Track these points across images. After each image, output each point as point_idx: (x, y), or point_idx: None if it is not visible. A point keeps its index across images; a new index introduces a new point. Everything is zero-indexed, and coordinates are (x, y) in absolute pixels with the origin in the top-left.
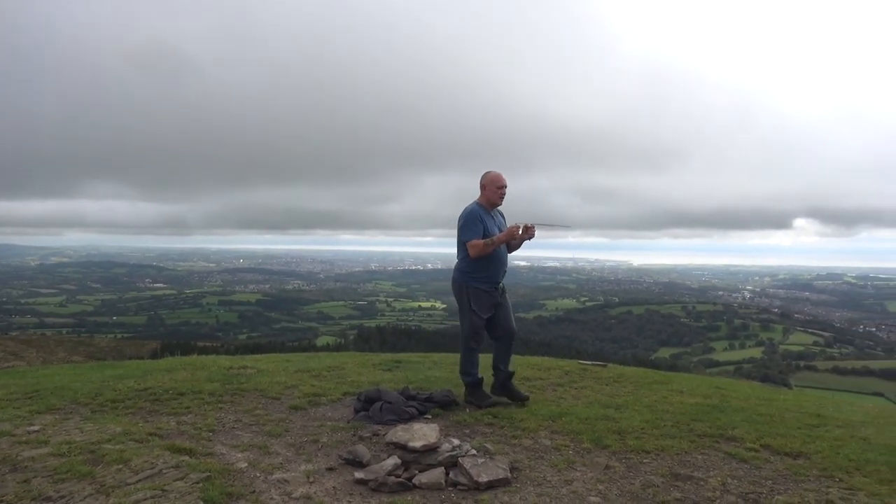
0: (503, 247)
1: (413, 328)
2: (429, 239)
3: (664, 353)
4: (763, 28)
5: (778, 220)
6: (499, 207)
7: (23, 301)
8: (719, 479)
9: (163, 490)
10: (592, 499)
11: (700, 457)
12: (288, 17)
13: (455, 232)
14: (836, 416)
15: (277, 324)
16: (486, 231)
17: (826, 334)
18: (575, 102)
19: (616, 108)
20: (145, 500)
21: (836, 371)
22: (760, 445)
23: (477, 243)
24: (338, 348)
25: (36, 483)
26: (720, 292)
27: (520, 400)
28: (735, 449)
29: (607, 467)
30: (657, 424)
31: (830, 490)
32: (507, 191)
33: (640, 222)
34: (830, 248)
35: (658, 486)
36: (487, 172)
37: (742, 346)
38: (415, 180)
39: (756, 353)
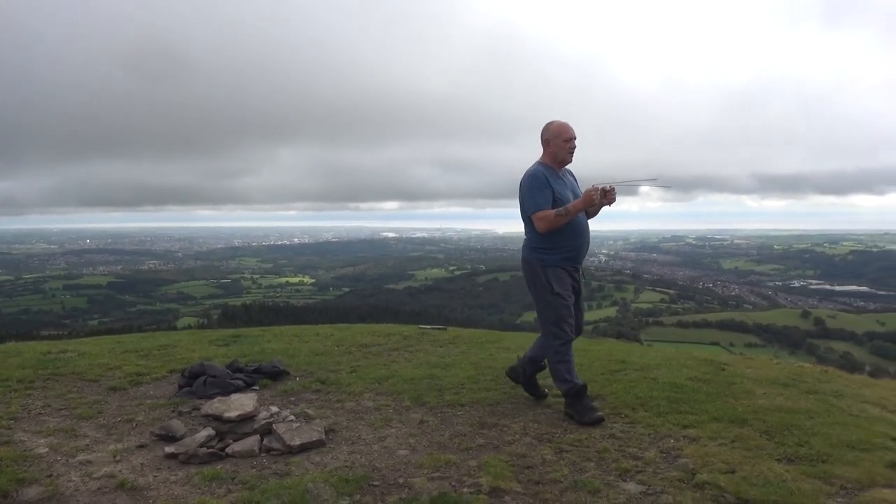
0: (582, 215)
1: (281, 304)
2: (292, 213)
3: (529, 316)
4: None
5: (625, 188)
6: (568, 166)
7: None
8: (521, 424)
9: None
10: (401, 451)
11: (510, 406)
12: None
13: (517, 202)
14: (637, 361)
15: (133, 307)
16: (556, 197)
17: (671, 292)
18: (424, 75)
19: (465, 80)
20: None
21: (680, 325)
22: None
23: (546, 214)
24: (201, 329)
25: None
26: None
27: (540, 397)
28: None
29: (421, 422)
30: (477, 380)
31: (615, 425)
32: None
33: (501, 192)
34: (673, 213)
35: (465, 435)
36: (550, 123)
37: (599, 307)
38: (269, 153)
39: (611, 312)
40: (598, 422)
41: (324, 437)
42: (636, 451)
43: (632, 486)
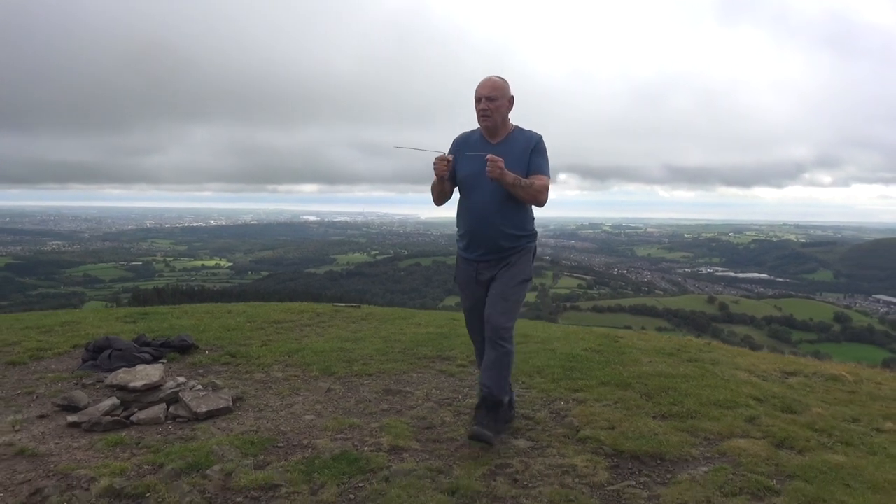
0: (484, 194)
1: (196, 288)
2: (208, 194)
3: (450, 301)
4: None
5: None
6: (519, 133)
7: None
8: (425, 390)
9: None
10: (307, 417)
11: (416, 375)
12: None
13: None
14: (539, 335)
15: (34, 290)
16: (455, 169)
17: (588, 278)
18: (333, 54)
19: (375, 61)
20: None
21: (596, 309)
22: (469, 362)
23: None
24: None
25: None
26: None
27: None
28: (447, 367)
29: (329, 390)
30: (386, 352)
31: (512, 391)
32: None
33: (423, 177)
34: (590, 201)
35: (370, 401)
36: None
37: None
38: (179, 131)
39: (531, 297)
40: (482, 440)
41: (231, 404)
42: (528, 413)
43: (521, 442)
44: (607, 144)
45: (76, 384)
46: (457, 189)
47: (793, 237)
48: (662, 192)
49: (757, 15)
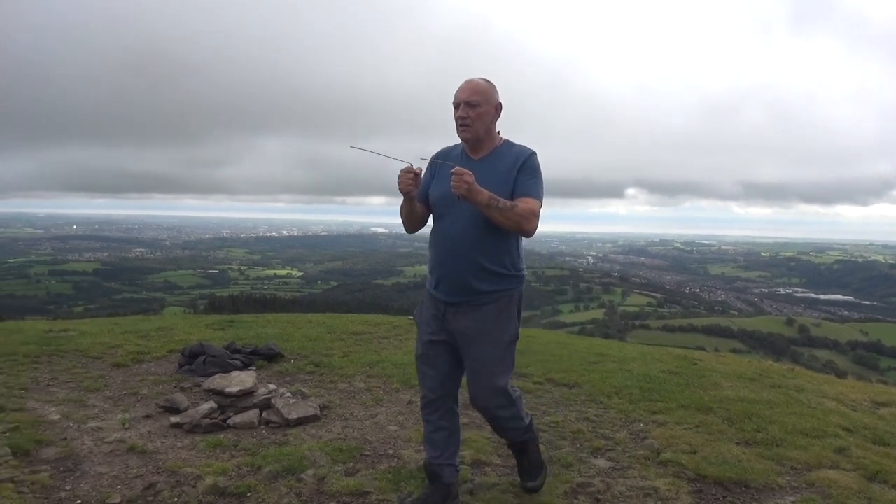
0: (455, 217)
1: (269, 297)
2: (280, 204)
3: None
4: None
5: (612, 190)
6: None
7: None
8: None
9: None
10: (391, 427)
11: None
12: None
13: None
14: (615, 355)
15: (118, 294)
16: (430, 186)
17: (658, 295)
18: (398, 70)
19: (437, 76)
20: None
21: (666, 329)
22: (545, 379)
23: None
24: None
25: None
26: (567, 258)
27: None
28: (524, 383)
29: (410, 402)
30: None
31: (590, 410)
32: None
33: None
34: (661, 217)
35: None
36: None
37: (586, 308)
38: (252, 143)
39: (598, 314)
40: (532, 491)
41: (319, 412)
42: (608, 433)
43: (602, 462)
44: (677, 159)
45: (175, 387)
46: None
47: (880, 258)
48: (737, 209)
49: (832, 24)
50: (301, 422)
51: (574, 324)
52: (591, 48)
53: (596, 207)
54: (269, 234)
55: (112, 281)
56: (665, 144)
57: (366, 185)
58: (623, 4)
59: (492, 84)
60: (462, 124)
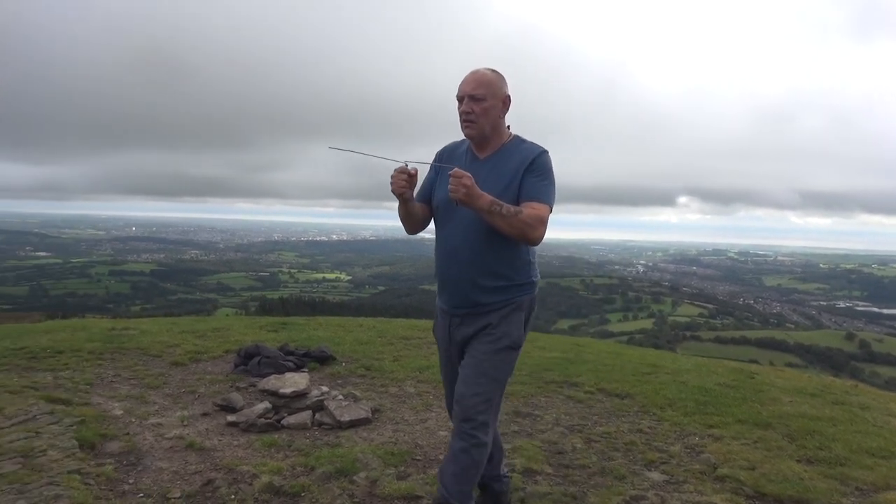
0: (456, 223)
1: (317, 300)
2: (330, 209)
3: (563, 324)
4: (621, 5)
5: (663, 198)
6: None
7: None
8: (554, 415)
9: (36, 432)
10: (441, 433)
11: (543, 399)
12: None
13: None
14: (668, 366)
15: (174, 295)
16: (434, 188)
17: (710, 306)
18: (445, 76)
19: None
20: (18, 440)
21: (718, 340)
22: (597, 389)
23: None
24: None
25: None
26: (616, 266)
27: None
28: (575, 392)
29: None
30: (513, 374)
31: (643, 421)
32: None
33: None
34: (713, 226)
35: (500, 422)
36: None
37: (635, 318)
38: (301, 149)
39: (647, 324)
40: None
41: (370, 415)
42: (662, 445)
43: (656, 475)
44: (730, 166)
45: (231, 386)
46: None
47: None
48: (794, 219)
49: (894, 30)
50: (353, 424)
51: (622, 333)
52: (641, 53)
53: (646, 215)
54: (318, 239)
55: (168, 282)
56: (718, 151)
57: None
58: (674, 8)
59: (499, 75)
60: (466, 120)
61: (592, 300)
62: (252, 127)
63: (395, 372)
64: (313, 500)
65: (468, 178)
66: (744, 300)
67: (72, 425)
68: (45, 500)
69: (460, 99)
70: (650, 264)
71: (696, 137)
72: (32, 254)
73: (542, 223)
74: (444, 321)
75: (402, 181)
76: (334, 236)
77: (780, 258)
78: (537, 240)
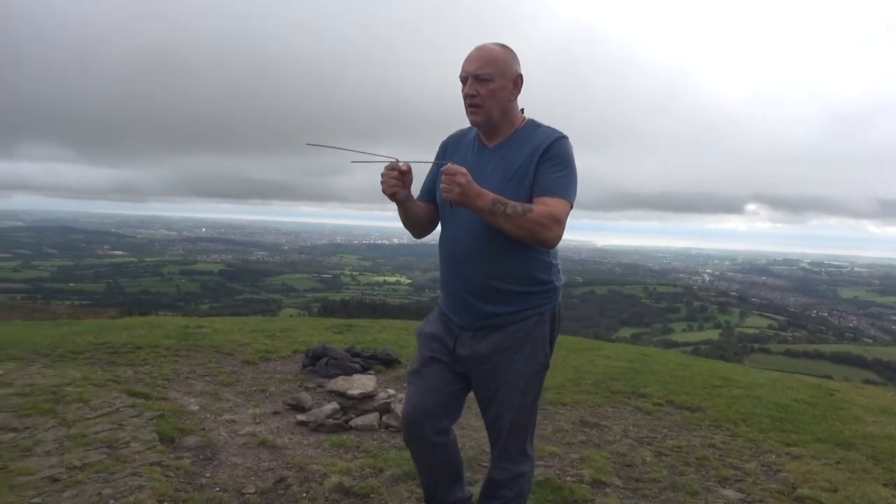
0: (459, 223)
1: (378, 302)
2: (391, 213)
3: (625, 332)
4: (683, 5)
5: (730, 205)
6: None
7: None
8: (622, 426)
9: (120, 424)
10: None
11: (610, 409)
12: None
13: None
14: (741, 379)
15: (240, 295)
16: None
17: (780, 318)
18: None
19: (547, 91)
20: (103, 431)
21: (789, 354)
22: (666, 401)
23: None
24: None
25: (1, 417)
26: (680, 275)
27: None
28: (643, 403)
29: None
30: (578, 382)
31: (716, 436)
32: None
33: (596, 203)
34: (785, 234)
35: (567, 431)
36: None
37: (700, 328)
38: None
39: (713, 334)
40: None
41: None
42: (736, 462)
43: (731, 493)
44: (801, 172)
45: (300, 386)
46: None
47: None
48: (873, 228)
49: None
50: None
51: (686, 343)
52: (705, 55)
53: (712, 223)
54: (380, 242)
55: (235, 282)
56: (788, 157)
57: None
58: (738, 8)
59: (509, 50)
60: (471, 105)
61: (655, 309)
62: (316, 132)
63: None
64: (382, 502)
65: (463, 175)
66: (817, 312)
67: (152, 419)
68: (129, 489)
69: (463, 80)
70: (717, 273)
71: (764, 142)
72: (110, 252)
73: (558, 222)
74: (450, 331)
75: (393, 180)
76: (395, 240)
77: (857, 269)
78: (552, 242)
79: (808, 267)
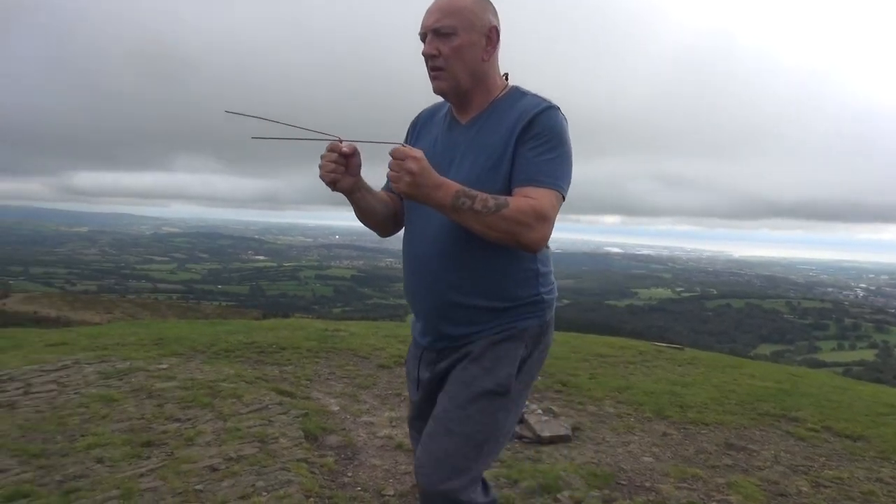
0: (424, 221)
1: None
2: None
3: (764, 349)
4: (827, 7)
5: (885, 214)
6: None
7: (138, 267)
8: (773, 452)
9: (269, 420)
10: (645, 458)
11: (758, 432)
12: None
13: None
14: None
15: (370, 299)
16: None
17: None
18: (631, 90)
19: (676, 95)
20: (255, 426)
21: None
22: (822, 427)
23: None
24: None
25: (168, 408)
26: (829, 289)
27: None
28: (795, 428)
29: (664, 434)
30: (721, 402)
31: (883, 469)
32: None
33: (733, 211)
34: None
35: (710, 453)
36: None
37: (852, 348)
38: None
39: (868, 355)
40: None
41: (570, 433)
42: None
43: None
44: None
45: None
46: None
47: None
48: None
49: None
50: (553, 440)
51: (836, 364)
52: (849, 57)
53: (865, 233)
54: None
55: (365, 286)
56: None
57: (600, 204)
58: (887, 9)
59: None
60: (432, 67)
61: (800, 325)
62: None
63: (592, 390)
64: None
65: (415, 160)
66: None
67: (298, 417)
68: (279, 483)
69: (423, 37)
70: (872, 288)
71: None
72: (253, 257)
73: (543, 220)
74: (413, 358)
75: (332, 164)
76: None
77: None
78: (536, 245)
79: None
